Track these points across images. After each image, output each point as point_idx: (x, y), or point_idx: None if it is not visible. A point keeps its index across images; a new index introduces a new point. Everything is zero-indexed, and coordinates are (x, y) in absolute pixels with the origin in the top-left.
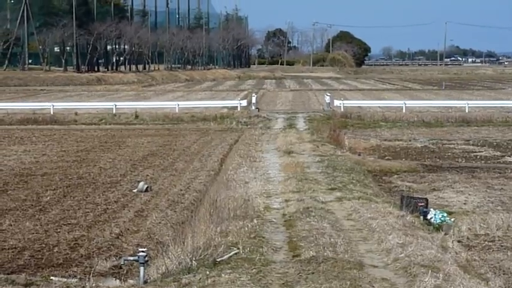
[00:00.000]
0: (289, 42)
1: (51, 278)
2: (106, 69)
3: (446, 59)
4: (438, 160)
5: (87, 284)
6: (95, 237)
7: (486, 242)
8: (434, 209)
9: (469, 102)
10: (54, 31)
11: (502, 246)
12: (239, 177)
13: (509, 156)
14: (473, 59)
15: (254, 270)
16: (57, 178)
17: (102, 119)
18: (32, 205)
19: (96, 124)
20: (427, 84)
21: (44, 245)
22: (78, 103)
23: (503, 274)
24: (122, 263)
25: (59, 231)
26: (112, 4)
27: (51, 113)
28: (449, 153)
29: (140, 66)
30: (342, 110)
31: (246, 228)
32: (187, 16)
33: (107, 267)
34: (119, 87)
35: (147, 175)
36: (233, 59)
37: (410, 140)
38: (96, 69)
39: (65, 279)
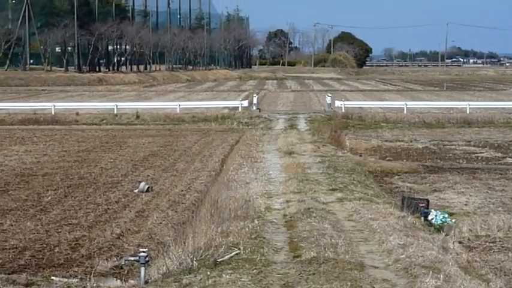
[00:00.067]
0: (290, 43)
1: (52, 278)
2: (107, 70)
3: (447, 60)
4: (439, 161)
5: (88, 284)
6: (95, 238)
7: (487, 243)
8: (435, 210)
9: (470, 103)
10: (56, 31)
11: (503, 247)
12: (240, 178)
13: (511, 158)
14: (475, 60)
15: (255, 270)
16: (58, 178)
17: (103, 119)
18: (33, 205)
19: (97, 124)
20: (428, 85)
21: (44, 245)
22: (79, 103)
23: (504, 275)
24: (122, 263)
25: (60, 231)
26: (113, 4)
27: (53, 113)
28: (451, 154)
29: (141, 67)
30: (343, 110)
31: (247, 229)
32: (188, 16)
33: (108, 267)
34: (120, 87)
35: (148, 175)
36: (234, 59)
37: (411, 141)
38: (97, 69)
39: (66, 279)
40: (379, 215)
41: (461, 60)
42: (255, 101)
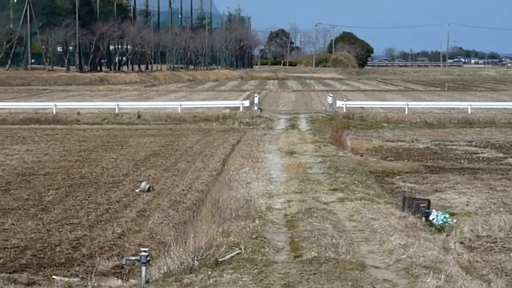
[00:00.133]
0: (291, 43)
1: (53, 277)
2: (108, 69)
3: (449, 60)
4: (440, 161)
5: (89, 283)
6: (97, 237)
7: (488, 244)
8: (437, 210)
9: (472, 103)
10: (57, 31)
11: (504, 247)
12: (241, 178)
13: None
14: (476, 60)
15: (256, 270)
16: (60, 178)
17: (105, 119)
18: (34, 204)
19: (98, 124)
20: (429, 85)
21: (46, 244)
22: (80, 103)
23: (505, 275)
24: (123, 262)
25: (61, 231)
26: (115, 4)
27: (54, 112)
28: (452, 155)
29: (143, 66)
30: (345, 110)
31: (248, 229)
32: (189, 16)
33: (109, 266)
34: (121, 87)
35: (149, 175)
36: (236, 59)
37: (412, 141)
38: (98, 69)
39: (67, 279)
40: (380, 215)
41: (462, 60)
42: (256, 101)
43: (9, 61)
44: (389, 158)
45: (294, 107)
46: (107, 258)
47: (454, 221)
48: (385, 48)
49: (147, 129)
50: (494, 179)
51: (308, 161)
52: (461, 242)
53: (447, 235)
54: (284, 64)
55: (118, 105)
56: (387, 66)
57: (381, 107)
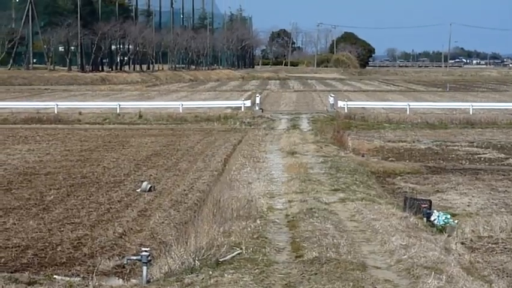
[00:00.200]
0: (293, 43)
1: (55, 276)
2: (110, 69)
3: (450, 61)
4: (442, 162)
5: (90, 283)
6: (98, 237)
7: (489, 244)
8: (438, 211)
9: (474, 104)
10: (59, 30)
11: (505, 248)
12: (242, 178)
13: None
14: (478, 61)
15: (257, 270)
16: (61, 177)
17: (106, 119)
18: (36, 204)
19: (100, 124)
20: (431, 86)
21: (47, 244)
22: (82, 103)
23: (507, 276)
24: (125, 262)
25: (63, 230)
26: (117, 4)
27: (55, 112)
28: (453, 155)
29: (144, 66)
30: (346, 111)
31: (249, 229)
32: (191, 16)
33: (110, 266)
34: (123, 87)
35: (151, 175)
36: (237, 59)
37: (414, 142)
38: (100, 69)
39: (68, 278)
40: (381, 215)
41: (464, 60)
42: (257, 101)
43: (11, 61)
44: (390, 159)
45: (295, 107)
46: (108, 258)
47: (456, 221)
48: (386, 48)
49: (149, 129)
50: (496, 179)
51: (309, 161)
52: (462, 243)
53: (448, 236)
54: (286, 64)
55: (119, 105)
56: (389, 66)
57: (383, 108)
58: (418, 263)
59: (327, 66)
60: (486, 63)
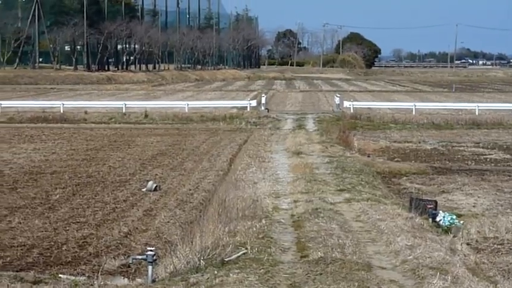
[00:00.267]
0: (299, 43)
1: (60, 275)
2: (116, 69)
3: (456, 61)
4: (448, 162)
5: (95, 282)
6: (103, 236)
7: (495, 245)
8: (443, 211)
9: (479, 104)
10: (65, 30)
11: (511, 249)
12: (248, 178)
13: None
14: (484, 62)
15: (262, 270)
16: (67, 176)
17: (112, 118)
18: (41, 203)
19: (105, 123)
20: (437, 86)
21: (52, 243)
22: (88, 102)
23: None
24: (130, 261)
25: (68, 230)
26: (123, 3)
27: (61, 111)
28: (459, 156)
29: (150, 66)
30: (352, 111)
31: (255, 229)
32: (197, 16)
33: (116, 265)
34: (128, 86)
35: (156, 174)
36: (243, 59)
37: (419, 142)
38: (106, 68)
39: (74, 277)
40: (386, 215)
41: (469, 61)
42: (263, 101)
43: (17, 60)
44: (396, 159)
45: (301, 107)
46: (114, 257)
47: (461, 222)
48: (392, 49)
49: (154, 129)
50: (502, 180)
51: (315, 161)
52: (468, 244)
53: (454, 236)
54: (291, 64)
55: (125, 105)
56: (395, 67)
57: (388, 108)
58: (424, 264)
59: (332, 67)
60: (492, 64)
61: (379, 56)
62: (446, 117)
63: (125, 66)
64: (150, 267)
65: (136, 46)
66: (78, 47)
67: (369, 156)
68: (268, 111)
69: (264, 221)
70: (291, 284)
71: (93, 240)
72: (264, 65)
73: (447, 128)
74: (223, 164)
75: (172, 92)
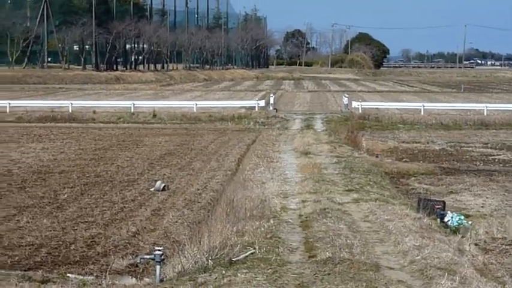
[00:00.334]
0: (307, 43)
1: (68, 275)
2: (125, 68)
3: (465, 62)
4: (456, 163)
5: (103, 281)
6: (111, 236)
7: (503, 246)
8: (452, 212)
9: (488, 105)
10: (74, 29)
11: None
12: (256, 178)
13: None
14: (493, 62)
15: (270, 270)
16: (75, 176)
17: (120, 118)
18: (50, 202)
19: (114, 123)
20: (445, 86)
21: (61, 243)
22: (96, 101)
23: None
24: (138, 261)
25: (76, 229)
26: (131, 3)
27: (70, 111)
28: (467, 156)
29: (159, 66)
30: (360, 111)
31: (263, 229)
32: (206, 16)
33: (124, 265)
34: (137, 86)
35: (165, 174)
36: (251, 59)
37: (428, 143)
38: (114, 68)
39: (82, 277)
40: (395, 216)
41: (478, 61)
42: (271, 101)
43: (26, 59)
44: (404, 159)
45: (309, 108)
46: (122, 257)
47: (469, 222)
48: (401, 49)
49: (163, 129)
50: (510, 181)
51: (323, 161)
52: (476, 244)
53: (462, 237)
54: (300, 64)
55: (134, 104)
56: (402, 67)
57: (397, 108)
58: (432, 264)
59: (341, 67)
60: (501, 64)
61: (387, 56)
62: (454, 117)
63: (133, 66)
64: (158, 267)
65: (144, 46)
66: (87, 46)
67: (377, 157)
68: (276, 111)
69: (272, 221)
70: (299, 284)
71: (101, 240)
72: (273, 65)
73: (455, 128)
74: (232, 164)
75: (181, 91)
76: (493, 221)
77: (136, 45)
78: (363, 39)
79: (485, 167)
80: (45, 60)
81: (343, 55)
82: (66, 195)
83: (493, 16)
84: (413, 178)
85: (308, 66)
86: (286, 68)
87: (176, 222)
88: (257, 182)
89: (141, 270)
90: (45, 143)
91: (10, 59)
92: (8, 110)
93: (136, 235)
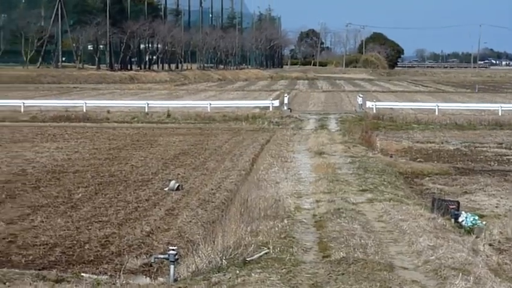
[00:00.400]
0: (322, 43)
1: (82, 274)
2: (139, 68)
3: (480, 62)
4: (470, 163)
5: (117, 281)
6: (125, 235)
7: None
8: (466, 212)
9: (503, 105)
10: (88, 29)
11: None
12: (270, 177)
13: None
14: (508, 62)
15: (284, 270)
16: (89, 175)
17: (135, 118)
18: (64, 202)
19: (128, 122)
20: (460, 86)
21: (75, 242)
22: (110, 101)
23: None
24: (152, 261)
25: (90, 228)
26: (146, 3)
27: (84, 110)
28: (482, 156)
29: (173, 65)
30: (374, 111)
31: (277, 228)
32: (220, 15)
33: (138, 264)
34: (151, 85)
35: (179, 174)
36: (266, 59)
37: (442, 143)
38: (129, 67)
39: (96, 276)
40: (409, 216)
41: (492, 61)
42: (286, 100)
43: (40, 59)
44: (418, 159)
45: (323, 107)
46: (136, 256)
47: (484, 223)
48: (415, 49)
49: (177, 128)
50: None
51: (337, 161)
52: (490, 244)
53: (476, 237)
54: (314, 64)
55: (148, 104)
56: (416, 67)
57: (411, 108)
58: (446, 264)
59: (355, 67)
60: None
61: (402, 56)
62: (469, 117)
63: (147, 66)
64: (172, 267)
65: (159, 45)
66: (101, 46)
67: (391, 157)
68: (290, 111)
69: (286, 221)
70: (313, 284)
71: (116, 239)
72: (287, 64)
73: (470, 128)
74: (246, 164)
75: (195, 91)
76: (508, 221)
77: (150, 45)
78: (377, 39)
79: (500, 167)
80: (60, 59)
81: (357, 55)
82: (80, 195)
83: (508, 16)
84: (427, 178)
85: (322, 66)
86: (300, 68)
87: (190, 221)
88: (271, 181)
89: (155, 269)
90: (59, 142)
91: (24, 59)
92: (22, 110)
93: (151, 235)
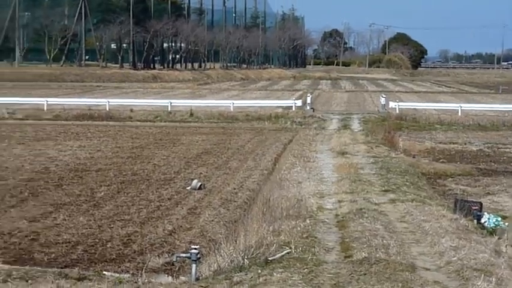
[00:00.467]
0: (345, 43)
1: (104, 272)
2: (162, 67)
3: (503, 63)
4: (493, 164)
5: (139, 279)
6: (147, 234)
7: None
8: (488, 213)
9: None
10: (111, 28)
11: None
12: (292, 177)
13: None
14: None
15: (306, 270)
16: (112, 174)
17: (157, 116)
18: (86, 200)
19: (151, 121)
20: (483, 87)
21: (97, 240)
22: (133, 100)
23: None
24: (174, 259)
25: (112, 227)
26: (169, 2)
27: (107, 109)
28: (505, 157)
29: (196, 65)
30: (397, 111)
31: (299, 228)
32: (243, 15)
33: (160, 263)
34: (174, 84)
35: (201, 173)
36: (289, 58)
37: (465, 144)
38: (152, 66)
39: (118, 275)
40: (431, 216)
41: None
42: (309, 100)
43: (64, 57)
44: (441, 160)
45: (346, 108)
46: (158, 255)
47: (506, 224)
48: (439, 49)
49: (200, 127)
50: None
51: (360, 161)
52: None
53: (499, 238)
54: (337, 64)
55: (171, 103)
56: (438, 67)
57: (434, 109)
58: (468, 265)
59: (378, 67)
60: None
61: (425, 56)
62: (492, 118)
63: (170, 65)
64: (193, 266)
65: (182, 45)
66: (124, 45)
67: (414, 157)
68: (313, 111)
69: (308, 221)
70: (334, 284)
71: (138, 238)
72: (310, 64)
73: (493, 129)
74: (268, 164)
75: (218, 90)
76: None
77: (173, 44)
78: (401, 39)
79: None
80: (83, 58)
81: (380, 55)
82: (102, 193)
83: None
84: (450, 179)
85: (345, 66)
86: (323, 67)
87: (212, 221)
88: (293, 181)
89: (177, 268)
90: (82, 141)
91: (48, 57)
92: (45, 108)
93: (173, 233)
